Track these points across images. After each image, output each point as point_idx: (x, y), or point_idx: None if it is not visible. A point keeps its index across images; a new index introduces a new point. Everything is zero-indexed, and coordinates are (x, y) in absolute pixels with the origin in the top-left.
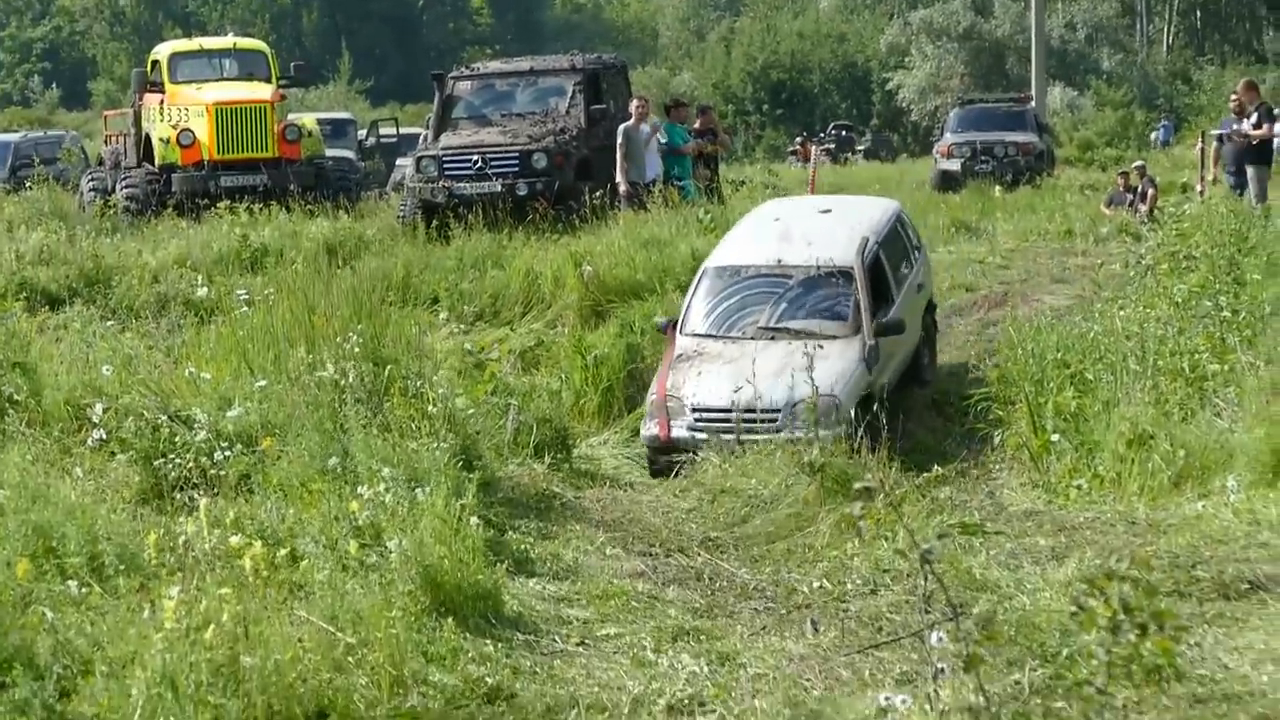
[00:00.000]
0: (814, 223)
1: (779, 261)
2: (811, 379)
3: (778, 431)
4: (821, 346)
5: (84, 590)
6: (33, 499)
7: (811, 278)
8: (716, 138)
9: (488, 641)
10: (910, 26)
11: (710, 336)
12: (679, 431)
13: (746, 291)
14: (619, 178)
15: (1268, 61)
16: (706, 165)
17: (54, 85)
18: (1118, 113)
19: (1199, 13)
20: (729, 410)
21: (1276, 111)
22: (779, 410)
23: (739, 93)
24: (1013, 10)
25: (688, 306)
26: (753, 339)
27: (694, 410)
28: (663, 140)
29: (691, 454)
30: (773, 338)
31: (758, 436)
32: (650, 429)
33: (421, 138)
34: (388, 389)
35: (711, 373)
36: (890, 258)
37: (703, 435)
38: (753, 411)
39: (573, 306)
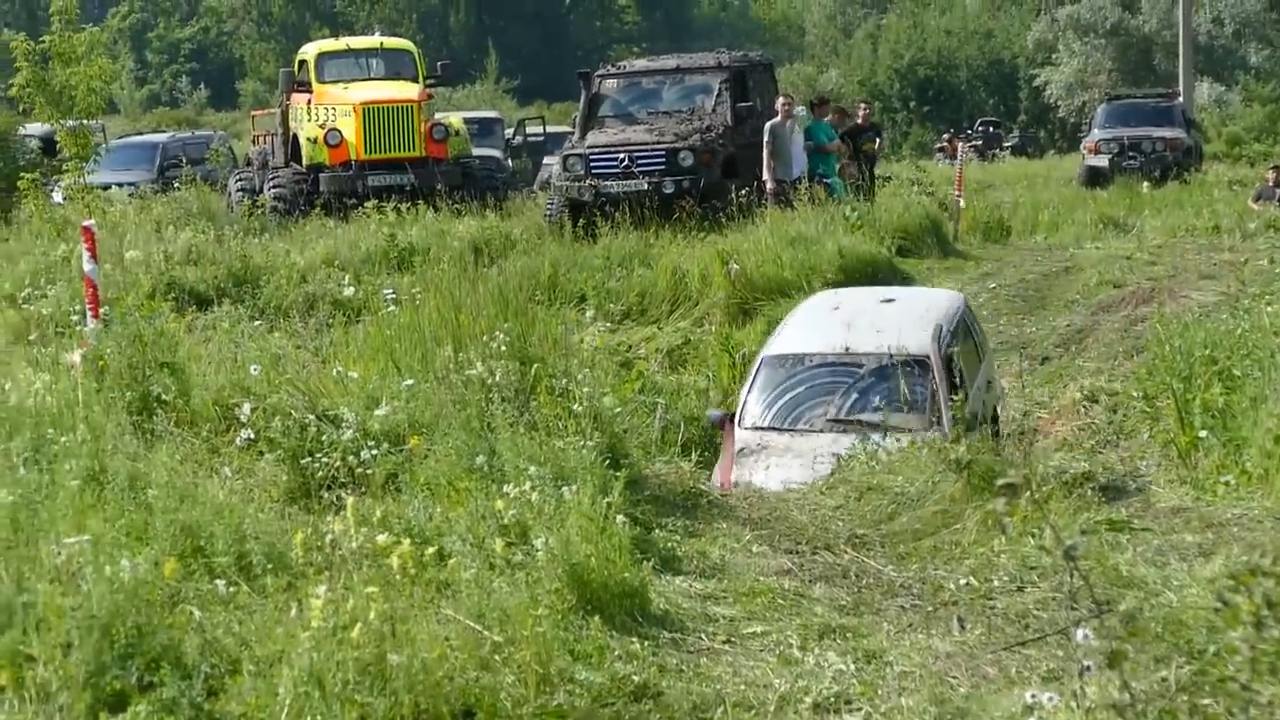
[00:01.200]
0: (879, 311)
1: (846, 349)
2: None
3: None
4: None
5: (231, 589)
6: (181, 498)
7: (882, 366)
8: (879, 135)
9: (634, 639)
10: (1057, 23)
11: (774, 429)
12: None
13: (811, 382)
14: (765, 175)
15: None
16: (867, 162)
17: (201, 86)
18: (1266, 108)
19: None
20: None
21: None
22: None
23: (885, 90)
24: (1160, 6)
25: (745, 398)
26: (821, 431)
27: None
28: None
29: None
30: (844, 430)
31: None
32: None
33: (568, 136)
34: (534, 388)
35: (782, 465)
36: (962, 350)
37: None
38: None
39: (719, 304)
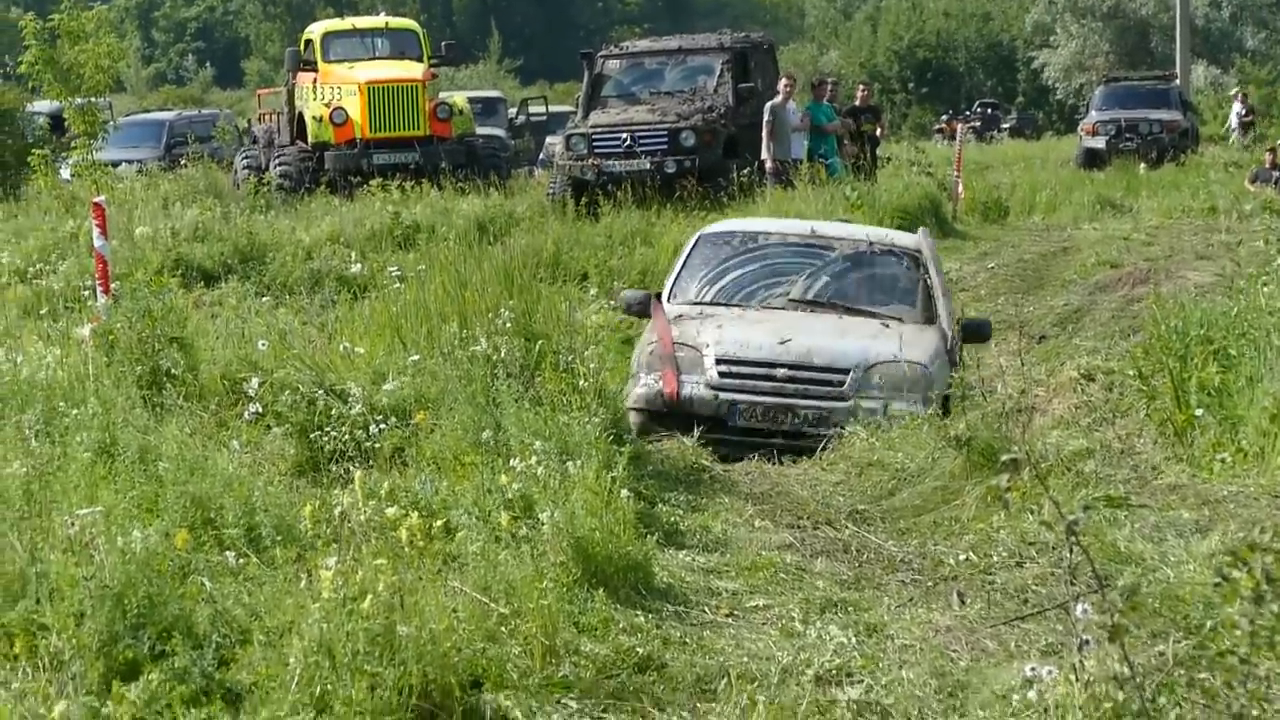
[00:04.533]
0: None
1: (813, 231)
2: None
3: (841, 400)
4: (888, 325)
5: (241, 561)
6: (191, 471)
7: (862, 253)
8: (878, 117)
9: (638, 612)
10: (1055, 5)
11: (719, 305)
12: (694, 389)
13: (766, 261)
14: (765, 155)
15: None
16: (868, 143)
17: (208, 64)
18: (1261, 91)
19: None
20: (773, 365)
21: None
22: (847, 371)
23: (885, 71)
24: None
25: (677, 273)
26: (782, 309)
27: (720, 361)
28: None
29: (705, 421)
30: (811, 311)
31: (811, 403)
32: (648, 385)
33: (571, 116)
34: (539, 364)
35: (740, 325)
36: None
37: (731, 395)
38: (809, 370)
39: None
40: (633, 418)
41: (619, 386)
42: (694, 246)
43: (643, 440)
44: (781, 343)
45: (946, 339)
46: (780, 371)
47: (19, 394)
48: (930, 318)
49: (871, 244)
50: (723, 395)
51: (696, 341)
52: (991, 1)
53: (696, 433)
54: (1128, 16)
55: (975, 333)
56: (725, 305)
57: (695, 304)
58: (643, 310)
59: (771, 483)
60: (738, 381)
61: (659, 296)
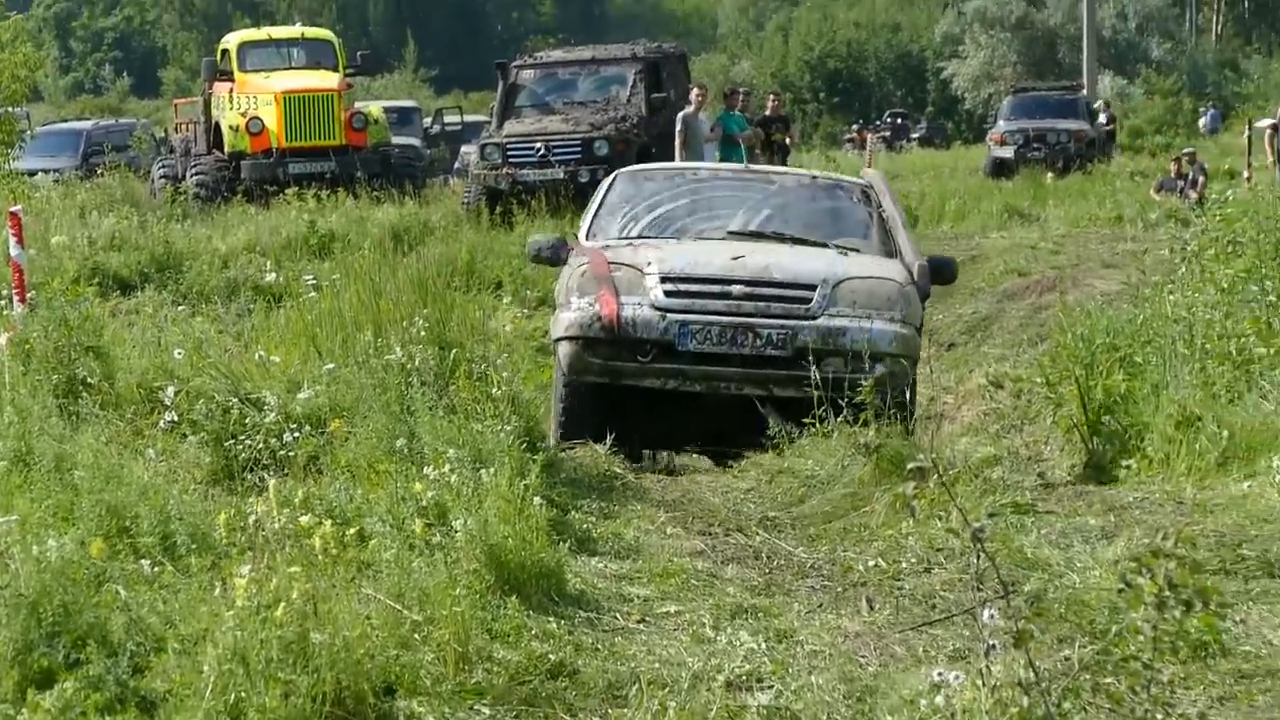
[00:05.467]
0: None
1: (746, 169)
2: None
3: (810, 319)
4: (845, 254)
5: (156, 569)
6: (106, 479)
7: (807, 185)
8: (788, 126)
9: (550, 619)
10: (964, 16)
11: (648, 238)
12: (636, 310)
13: (698, 195)
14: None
15: None
16: (779, 152)
17: (125, 74)
18: (1166, 101)
19: (1247, 3)
20: (727, 281)
21: None
22: (813, 287)
23: (796, 81)
24: (1065, 0)
25: (595, 213)
26: (722, 240)
27: (665, 280)
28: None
29: (651, 346)
30: (755, 241)
31: (775, 321)
32: (581, 309)
33: (485, 125)
34: (453, 372)
35: (685, 246)
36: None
37: (680, 315)
38: (770, 285)
39: None
40: (563, 349)
41: (532, 394)
42: (611, 185)
43: (557, 450)
44: (735, 258)
45: (913, 272)
46: (736, 289)
47: None
48: (889, 252)
49: (815, 178)
50: (671, 315)
51: (635, 260)
52: (901, 12)
53: (641, 360)
54: (1035, 27)
55: (942, 271)
56: (657, 238)
57: (622, 240)
58: (554, 256)
59: (683, 490)
60: (687, 301)
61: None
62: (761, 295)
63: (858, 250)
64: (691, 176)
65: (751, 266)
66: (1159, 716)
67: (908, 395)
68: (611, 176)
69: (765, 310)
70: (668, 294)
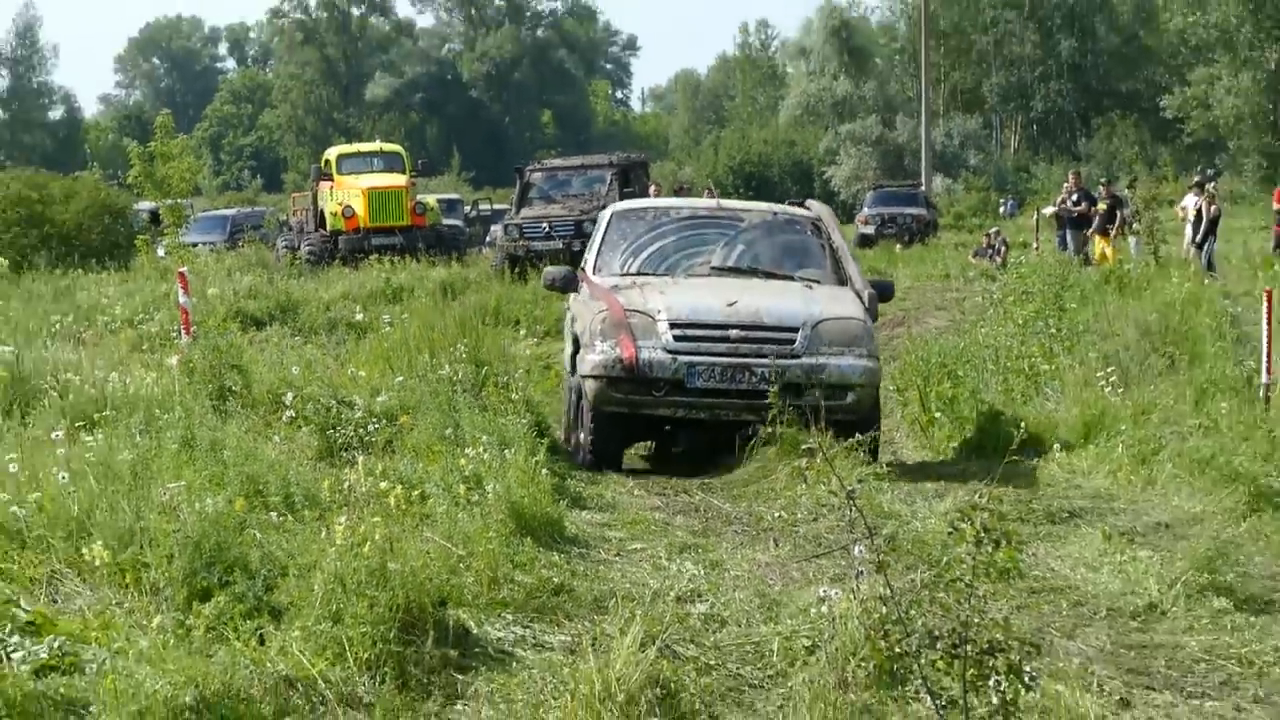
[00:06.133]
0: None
1: (718, 206)
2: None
3: (794, 357)
4: (810, 287)
5: (281, 519)
6: (245, 457)
7: (769, 223)
8: None
9: (554, 553)
10: (839, 135)
11: (646, 275)
12: (651, 353)
13: (681, 234)
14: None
15: (1082, 159)
16: None
17: (257, 176)
18: (980, 194)
19: (1035, 126)
20: (725, 326)
21: (1095, 193)
22: (796, 329)
23: (724, 180)
24: (909, 124)
25: (596, 249)
26: (707, 277)
27: (674, 325)
28: None
29: (664, 384)
30: (735, 277)
31: (765, 362)
32: (605, 352)
33: (507, 212)
34: (484, 382)
35: (684, 291)
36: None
37: (688, 357)
38: (761, 329)
39: None
40: (590, 385)
41: (540, 398)
42: (609, 223)
43: (561, 455)
44: (729, 305)
45: (863, 298)
46: (734, 333)
47: (128, 404)
48: (841, 279)
49: (775, 214)
50: (680, 358)
51: (647, 308)
52: (796, 133)
53: (656, 395)
54: (889, 143)
55: (884, 292)
56: (653, 275)
57: (624, 275)
58: (566, 285)
59: (646, 467)
60: (693, 344)
61: (581, 271)
62: (754, 339)
63: (818, 281)
64: (675, 215)
65: (744, 312)
66: (975, 619)
67: (875, 413)
68: (608, 214)
69: (758, 351)
70: (676, 339)
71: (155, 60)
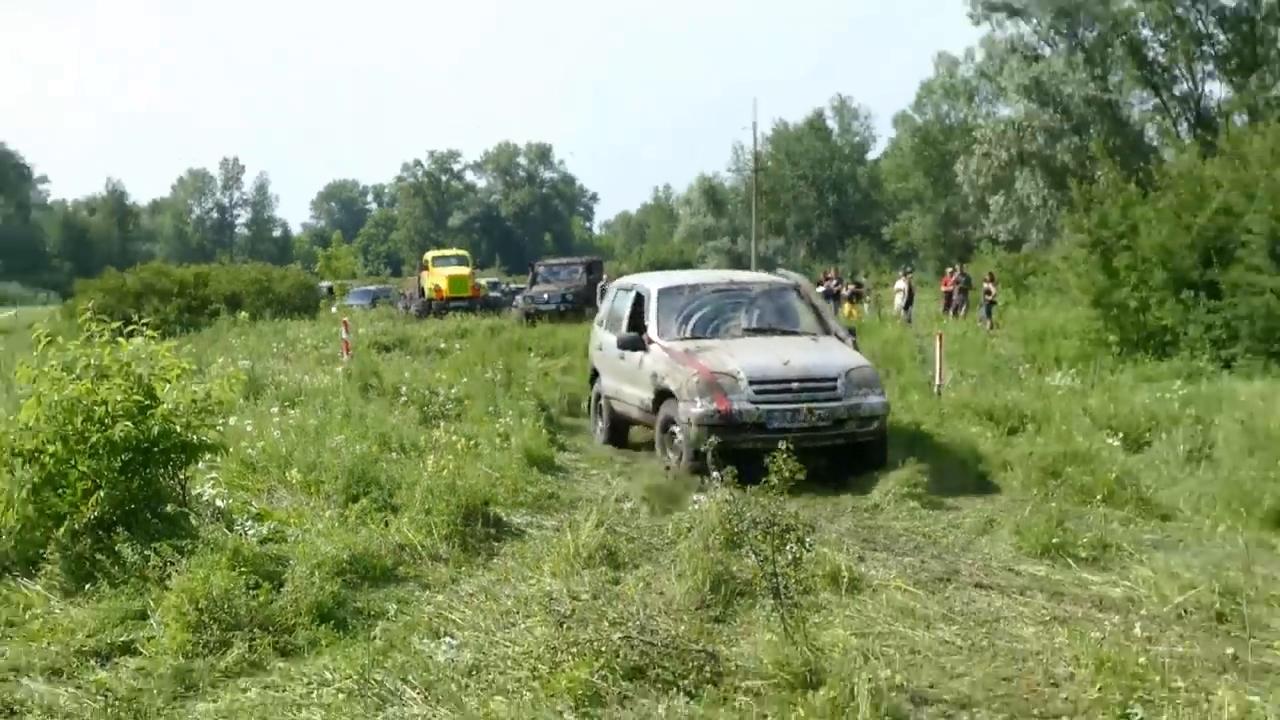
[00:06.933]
0: (743, 272)
1: (730, 281)
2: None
3: (838, 400)
4: (815, 339)
5: (398, 456)
6: (378, 422)
7: (768, 291)
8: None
9: (548, 476)
10: (707, 248)
11: (696, 339)
12: (740, 405)
13: (710, 305)
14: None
15: (840, 261)
16: None
17: (388, 268)
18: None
19: (815, 243)
20: (788, 380)
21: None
22: (835, 379)
23: (644, 270)
24: (745, 242)
25: (653, 320)
26: (741, 338)
27: (752, 383)
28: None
29: (749, 427)
30: (761, 335)
31: (820, 405)
32: (705, 406)
33: (524, 288)
34: (512, 383)
35: (745, 352)
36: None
37: (766, 405)
38: (813, 381)
39: (582, 351)
40: (694, 430)
41: (545, 390)
42: (658, 298)
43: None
44: (785, 363)
45: (848, 343)
46: (794, 385)
47: (314, 394)
48: (826, 330)
49: (770, 284)
50: (761, 407)
51: (728, 369)
52: (684, 244)
53: (744, 434)
54: (734, 253)
55: (852, 335)
56: (704, 338)
57: (680, 339)
58: (634, 345)
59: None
60: (768, 396)
61: (644, 333)
62: (809, 387)
63: (815, 334)
64: (702, 290)
65: (797, 368)
66: (779, 512)
67: (885, 433)
68: (655, 291)
69: (812, 397)
70: (756, 392)
71: (332, 204)
